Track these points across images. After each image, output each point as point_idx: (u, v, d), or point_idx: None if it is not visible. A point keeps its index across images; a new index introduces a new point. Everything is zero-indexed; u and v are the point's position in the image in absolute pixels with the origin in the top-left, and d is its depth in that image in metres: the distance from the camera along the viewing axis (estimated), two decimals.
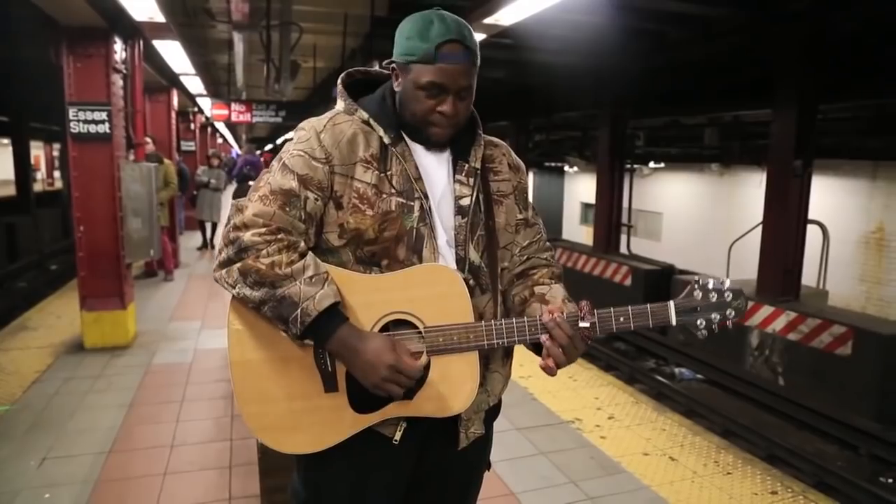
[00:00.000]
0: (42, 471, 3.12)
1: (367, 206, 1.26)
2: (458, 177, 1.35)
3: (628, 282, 9.86)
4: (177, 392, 4.17)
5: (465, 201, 1.33)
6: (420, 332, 1.26)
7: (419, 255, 1.28)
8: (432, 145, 1.34)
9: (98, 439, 3.44)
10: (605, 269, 10.58)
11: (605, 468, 3.22)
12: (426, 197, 1.29)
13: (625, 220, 11.31)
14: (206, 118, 13.88)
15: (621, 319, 1.27)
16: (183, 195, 9.58)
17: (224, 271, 1.22)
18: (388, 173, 1.28)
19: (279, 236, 1.21)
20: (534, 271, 1.45)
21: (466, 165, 1.35)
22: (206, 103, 11.23)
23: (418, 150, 1.34)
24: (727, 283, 1.29)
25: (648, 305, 1.28)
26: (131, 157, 5.50)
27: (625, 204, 11.19)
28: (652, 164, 14.02)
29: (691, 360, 7.65)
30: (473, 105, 1.37)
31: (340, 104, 1.35)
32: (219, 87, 12.91)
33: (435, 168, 1.35)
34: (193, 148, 13.69)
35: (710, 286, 1.29)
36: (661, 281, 9.32)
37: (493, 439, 1.52)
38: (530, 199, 1.51)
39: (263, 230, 1.20)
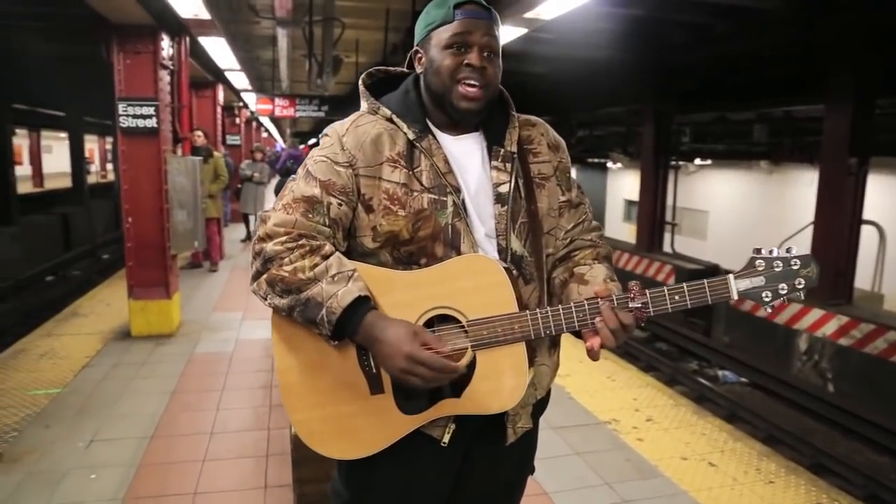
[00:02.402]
0: (89, 452, 3.23)
1: (398, 206, 1.23)
2: (493, 163, 1.30)
3: (672, 281, 9.67)
4: (218, 381, 4.26)
5: (504, 188, 1.28)
6: (463, 327, 1.21)
7: (457, 250, 1.24)
8: (462, 121, 1.29)
9: (142, 424, 3.55)
10: (648, 268, 10.41)
11: (640, 471, 3.16)
12: (457, 191, 1.25)
13: (669, 218, 11.09)
14: (251, 113, 14.14)
15: (676, 298, 1.19)
16: (228, 189, 9.81)
17: (255, 284, 1.23)
18: (417, 170, 1.25)
19: (300, 242, 1.20)
20: (576, 253, 1.40)
21: (502, 150, 1.30)
22: (250, 98, 11.44)
23: (447, 141, 1.30)
24: (794, 251, 1.21)
25: (706, 281, 1.19)
26: (178, 151, 5.63)
27: (669, 201, 10.97)
28: (698, 161, 13.69)
29: (736, 363, 7.45)
30: (515, 99, 1.33)
31: (364, 105, 1.34)
32: (263, 82, 13.14)
33: (468, 157, 1.30)
34: (239, 142, 13.99)
35: (775, 255, 1.20)
36: None
37: (538, 441, 1.47)
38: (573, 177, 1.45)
39: (285, 238, 1.20)
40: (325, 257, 1.20)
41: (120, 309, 5.66)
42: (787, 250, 1.21)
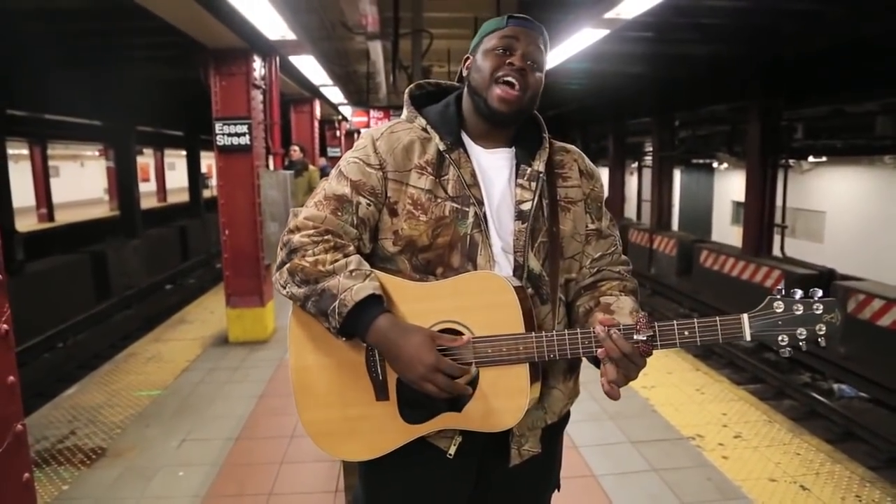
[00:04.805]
0: (180, 451, 3.47)
1: (420, 211, 1.25)
2: (519, 181, 1.31)
3: (781, 287, 9.01)
4: None
5: (526, 206, 1.29)
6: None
7: (473, 262, 1.25)
8: (496, 124, 1.30)
9: (229, 426, 3.76)
10: (755, 274, 9.78)
11: (722, 491, 2.96)
12: (480, 203, 1.26)
13: (779, 219, 10.37)
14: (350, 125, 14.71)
15: (686, 333, 1.16)
16: None
17: (278, 273, 1.26)
18: (444, 179, 1.28)
19: (326, 237, 1.23)
20: (603, 283, 1.37)
21: (529, 169, 1.31)
22: (348, 111, 11.88)
23: (479, 153, 1.32)
24: (817, 294, 1.14)
25: (718, 318, 1.16)
26: (270, 164, 5.93)
27: (779, 202, 10.25)
28: (812, 159, 12.70)
29: (854, 376, 6.83)
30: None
31: (404, 113, 1.38)
32: (362, 94, 13.62)
33: (495, 171, 1.32)
34: (339, 153, 14.58)
35: (796, 297, 1.15)
36: (819, 287, 8.38)
37: (562, 458, 1.46)
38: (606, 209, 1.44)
39: (312, 231, 1.24)
40: (347, 255, 1.23)
41: (221, 316, 6.03)
42: (810, 293, 1.14)
